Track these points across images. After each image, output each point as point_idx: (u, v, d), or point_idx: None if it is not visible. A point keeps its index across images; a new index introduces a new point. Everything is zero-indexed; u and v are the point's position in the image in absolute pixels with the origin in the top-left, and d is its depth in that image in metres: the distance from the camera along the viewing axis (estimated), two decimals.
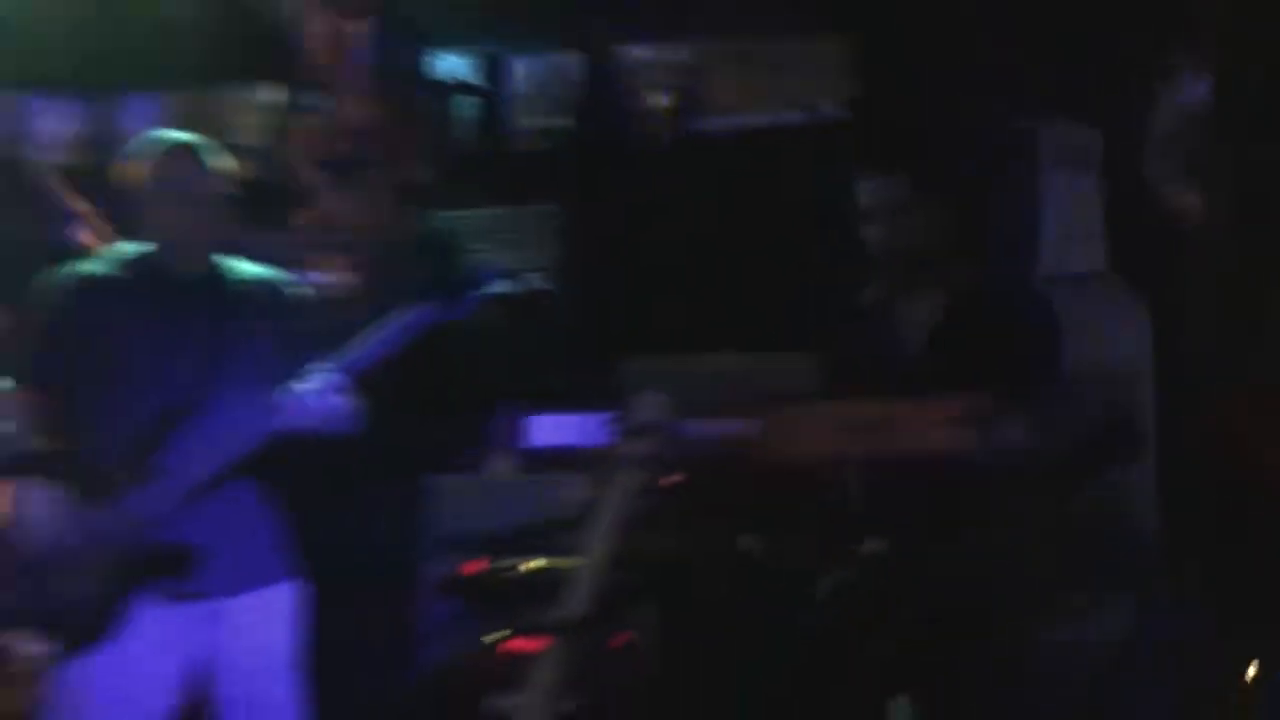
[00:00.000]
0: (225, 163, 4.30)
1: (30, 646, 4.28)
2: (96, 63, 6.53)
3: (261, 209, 5.49)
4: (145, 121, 6.36)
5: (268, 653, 4.26)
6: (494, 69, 6.74)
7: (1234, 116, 4.89)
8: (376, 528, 5.18)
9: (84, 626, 4.09)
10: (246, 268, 4.38)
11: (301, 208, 5.93)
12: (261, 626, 4.26)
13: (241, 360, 4.20)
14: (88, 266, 4.35)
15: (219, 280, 4.28)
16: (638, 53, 6.63)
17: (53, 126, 6.81)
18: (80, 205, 5.29)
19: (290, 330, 4.31)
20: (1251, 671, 4.20)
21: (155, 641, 4.10)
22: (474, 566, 4.84)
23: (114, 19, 6.31)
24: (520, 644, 4.46)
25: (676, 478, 4.32)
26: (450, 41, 6.56)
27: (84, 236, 5.09)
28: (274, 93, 6.33)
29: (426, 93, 6.25)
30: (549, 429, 5.21)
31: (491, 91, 6.79)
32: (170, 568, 4.10)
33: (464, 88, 6.74)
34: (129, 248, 4.34)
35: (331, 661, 4.34)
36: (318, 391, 4.10)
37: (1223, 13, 4.96)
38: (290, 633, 4.33)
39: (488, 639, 4.60)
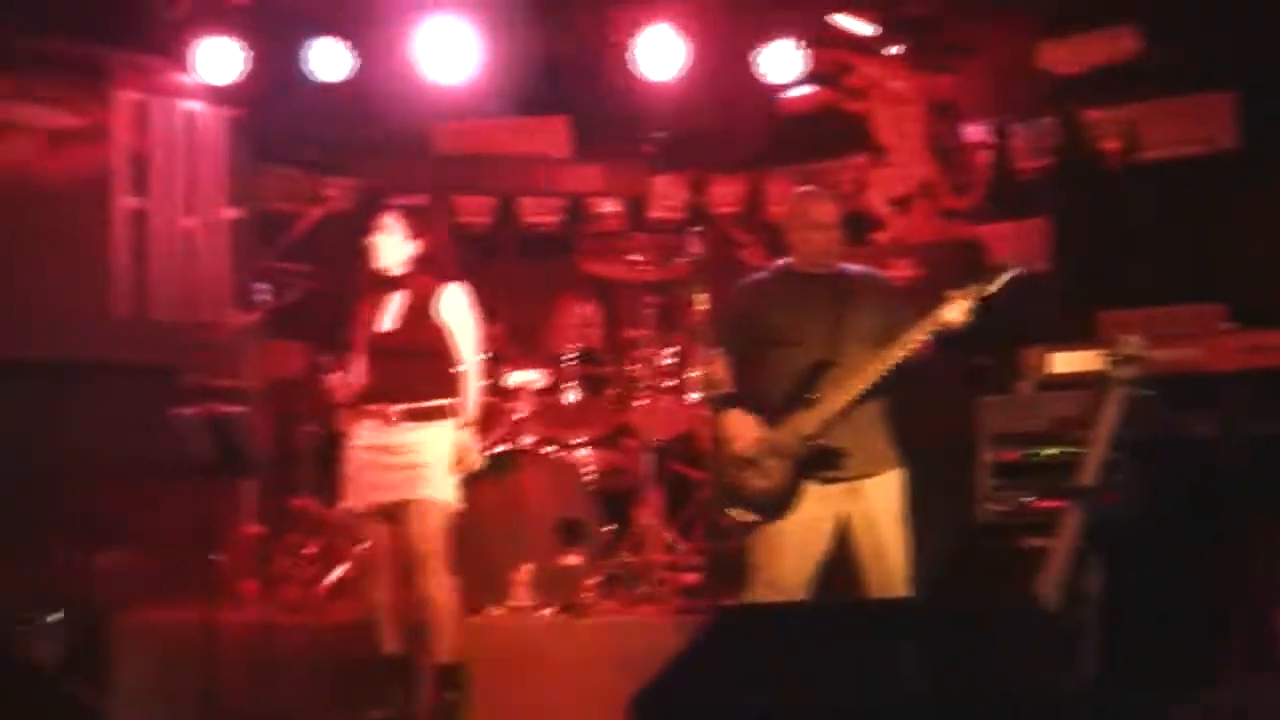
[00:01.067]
0: (832, 205, 6.08)
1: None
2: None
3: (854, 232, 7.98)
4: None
5: (886, 514, 5.76)
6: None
7: None
8: (951, 430, 7.23)
9: (772, 504, 5.72)
10: (853, 268, 6.03)
11: (875, 231, 8.46)
12: (882, 497, 5.75)
13: (856, 327, 5.77)
14: (757, 276, 6.09)
15: (838, 277, 5.98)
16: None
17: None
18: None
19: (885, 307, 5.86)
20: None
21: (816, 510, 5.70)
22: (1012, 454, 6.81)
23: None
24: (1046, 504, 6.46)
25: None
26: None
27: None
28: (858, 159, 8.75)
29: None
30: (1063, 361, 7.07)
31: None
32: (824, 463, 5.72)
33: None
34: (781, 261, 6.07)
35: (923, 518, 6.34)
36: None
37: None
38: (899, 500, 5.84)
39: (1023, 499, 6.64)
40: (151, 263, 8.28)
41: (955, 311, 5.55)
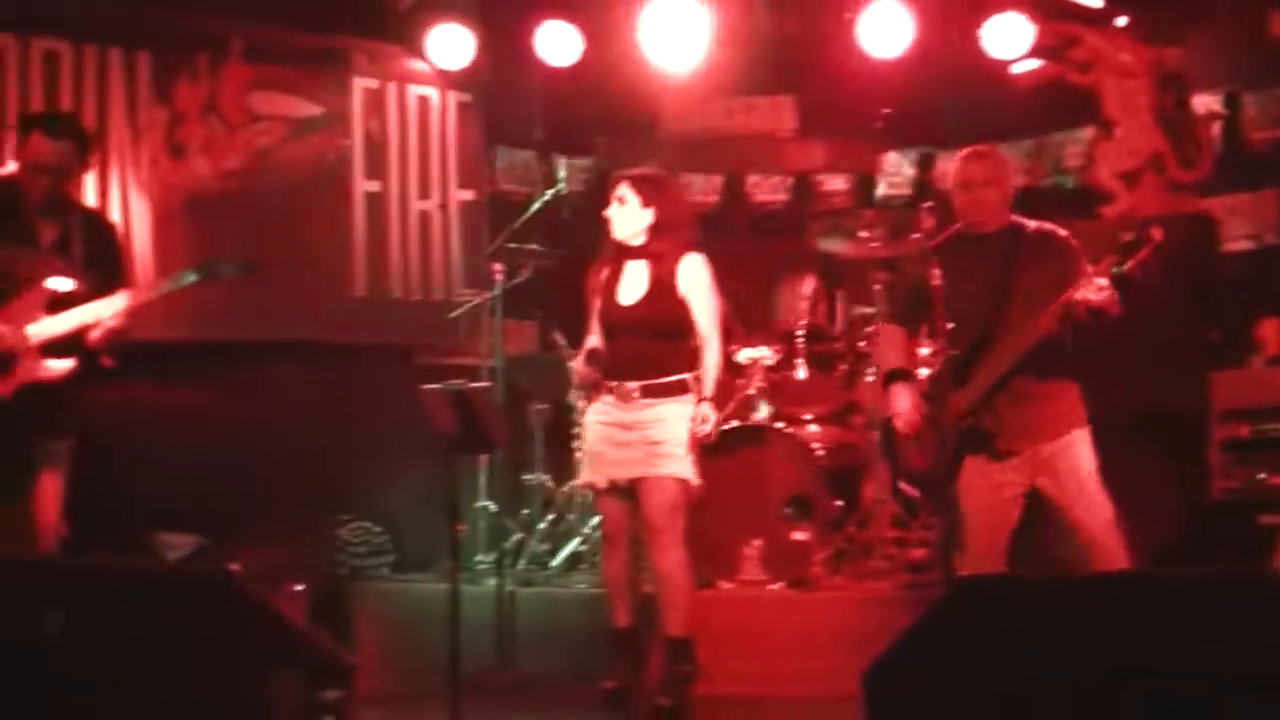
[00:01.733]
0: (985, 163, 5.83)
1: None
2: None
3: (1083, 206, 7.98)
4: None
5: (1070, 476, 5.60)
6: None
7: None
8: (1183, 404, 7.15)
9: (934, 480, 5.85)
10: (1028, 225, 5.78)
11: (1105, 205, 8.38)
12: (1064, 460, 5.60)
13: (1017, 291, 5.62)
14: (926, 245, 5.77)
15: (1003, 238, 5.75)
16: None
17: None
18: None
19: (1052, 266, 5.61)
20: None
21: (998, 485, 5.64)
22: (1244, 430, 6.68)
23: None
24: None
25: None
26: None
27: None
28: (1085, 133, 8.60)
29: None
30: None
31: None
32: (985, 439, 5.59)
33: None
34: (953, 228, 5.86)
35: (1154, 492, 6.29)
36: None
37: None
38: (1084, 459, 5.64)
39: (1257, 476, 6.53)
40: (388, 244, 8.51)
41: (1091, 290, 5.35)
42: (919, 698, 4.18)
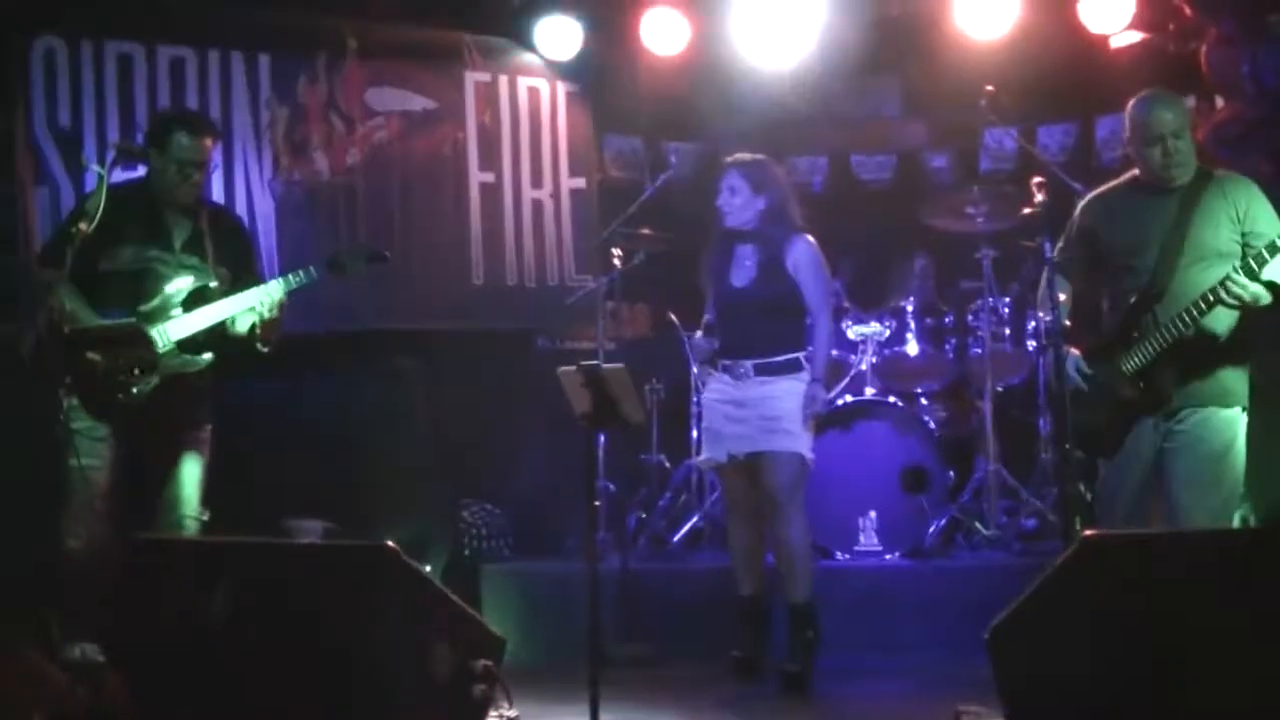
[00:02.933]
0: (1171, 110, 5.62)
1: None
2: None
3: None
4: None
5: (1206, 448, 5.47)
6: None
7: None
8: None
9: (1100, 441, 5.62)
10: (1215, 174, 5.53)
11: None
12: (1205, 432, 5.47)
13: (1194, 248, 5.45)
14: (1101, 190, 5.81)
15: (1186, 190, 5.51)
16: None
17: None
18: None
19: (1236, 215, 5.44)
20: None
21: (1141, 446, 5.57)
22: None
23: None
24: None
25: None
26: None
27: None
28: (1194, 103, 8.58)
29: None
30: None
31: None
32: (1148, 400, 5.50)
33: None
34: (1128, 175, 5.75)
35: None
36: None
37: None
38: (1225, 437, 5.50)
39: None
40: (503, 233, 8.71)
41: (1239, 287, 5.26)
42: (1043, 653, 4.33)
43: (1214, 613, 4.07)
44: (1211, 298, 5.31)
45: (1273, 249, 5.23)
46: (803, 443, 6.27)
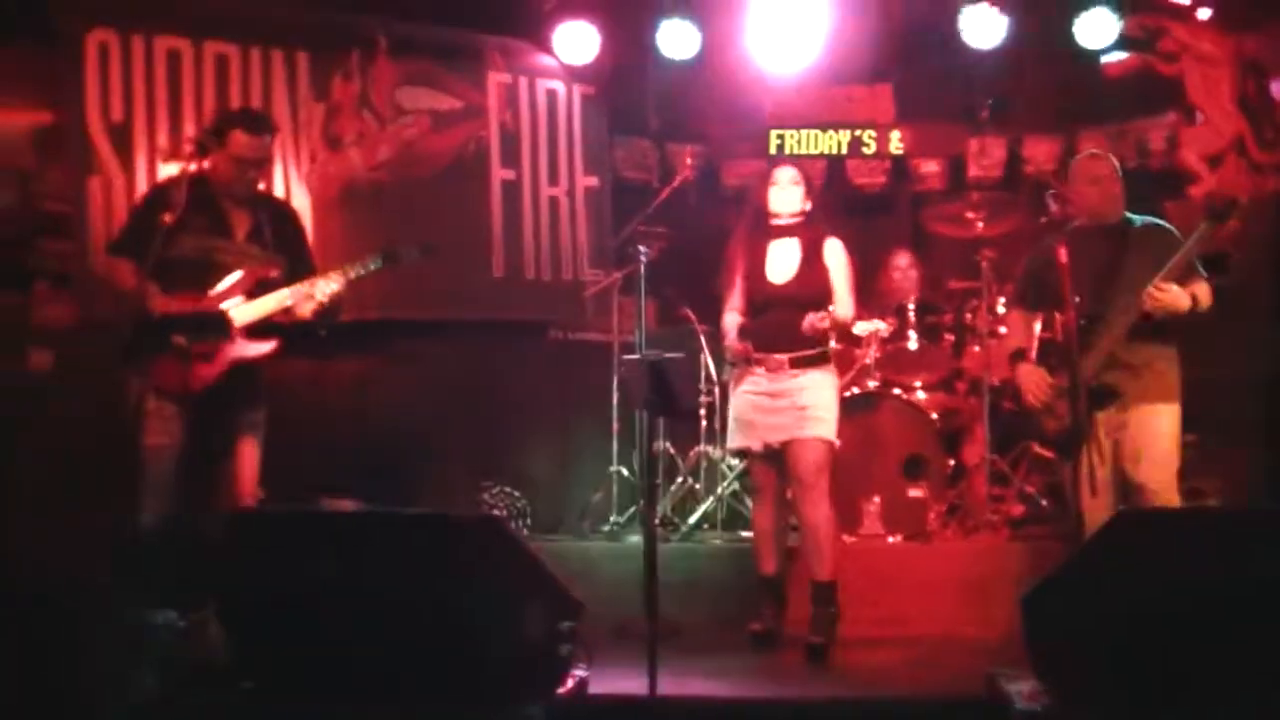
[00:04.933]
0: (1107, 162, 6.50)
1: None
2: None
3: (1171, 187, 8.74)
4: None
5: (1152, 440, 6.16)
6: None
7: None
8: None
9: (1067, 442, 6.17)
10: (1139, 220, 6.38)
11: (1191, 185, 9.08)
12: (1148, 424, 6.17)
13: (1123, 278, 6.19)
14: (1047, 240, 6.32)
15: (1119, 230, 6.37)
16: None
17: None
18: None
19: (1162, 256, 6.12)
20: None
21: (1100, 437, 6.16)
22: None
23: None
24: None
25: None
26: None
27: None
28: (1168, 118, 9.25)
29: None
30: None
31: None
32: (1103, 398, 6.17)
33: None
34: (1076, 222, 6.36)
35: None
36: None
37: None
38: (1167, 430, 6.20)
39: None
40: (522, 228, 9.11)
41: (1150, 298, 6.09)
42: (1076, 619, 4.81)
43: (1239, 582, 4.56)
44: (1147, 307, 6.13)
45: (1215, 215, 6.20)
46: (832, 429, 6.68)
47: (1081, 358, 6.07)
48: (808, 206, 6.82)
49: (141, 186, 7.69)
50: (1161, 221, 6.61)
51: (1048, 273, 6.29)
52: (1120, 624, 4.71)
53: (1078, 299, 6.03)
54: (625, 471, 8.49)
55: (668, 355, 5.63)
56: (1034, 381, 6.48)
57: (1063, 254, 6.04)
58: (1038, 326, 6.76)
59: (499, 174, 9.03)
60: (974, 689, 5.55)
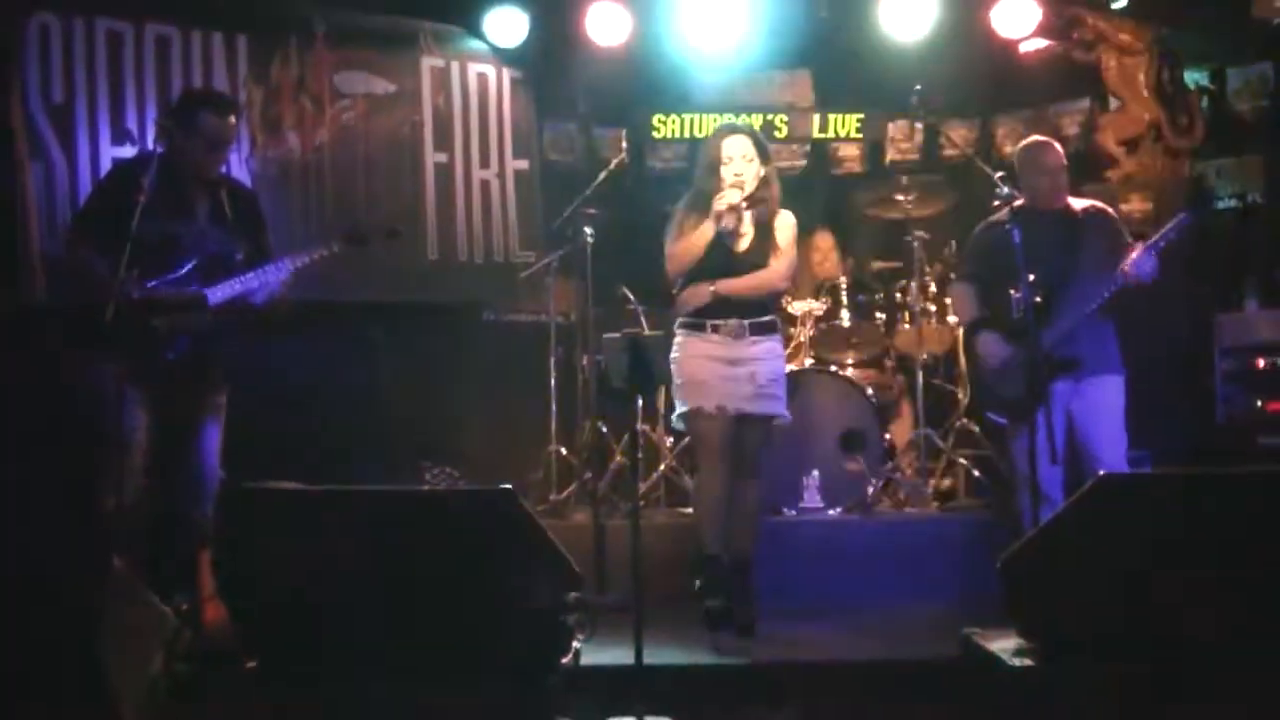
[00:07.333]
0: (1057, 151, 6.97)
1: None
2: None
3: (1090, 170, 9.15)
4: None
5: (1105, 408, 6.76)
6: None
7: None
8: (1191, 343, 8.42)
9: (1023, 407, 6.52)
10: (1079, 203, 6.94)
11: (1109, 169, 9.42)
12: (1102, 395, 6.75)
13: (1082, 257, 6.73)
14: (996, 217, 6.79)
15: (1066, 212, 6.93)
16: None
17: None
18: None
19: (1108, 236, 6.80)
20: None
21: (1058, 404, 6.60)
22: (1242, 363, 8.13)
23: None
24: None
25: None
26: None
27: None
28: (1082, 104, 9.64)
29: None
30: None
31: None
32: (1060, 369, 6.57)
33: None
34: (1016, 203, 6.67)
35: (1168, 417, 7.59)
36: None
37: None
38: (1117, 398, 6.79)
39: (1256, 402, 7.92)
40: (454, 211, 9.20)
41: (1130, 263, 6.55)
42: (1057, 578, 5.01)
43: (1213, 542, 4.82)
44: (1111, 285, 6.59)
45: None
46: (784, 405, 6.80)
47: (1041, 329, 6.33)
48: (761, 173, 6.77)
49: (84, 168, 7.71)
50: (1097, 202, 7.09)
51: (1000, 252, 6.59)
52: (1100, 582, 4.92)
53: (1032, 276, 6.31)
54: (564, 450, 8.63)
55: (647, 334, 5.71)
56: (994, 348, 6.91)
57: (1016, 235, 6.35)
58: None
59: (432, 156, 9.10)
60: (945, 650, 5.76)
